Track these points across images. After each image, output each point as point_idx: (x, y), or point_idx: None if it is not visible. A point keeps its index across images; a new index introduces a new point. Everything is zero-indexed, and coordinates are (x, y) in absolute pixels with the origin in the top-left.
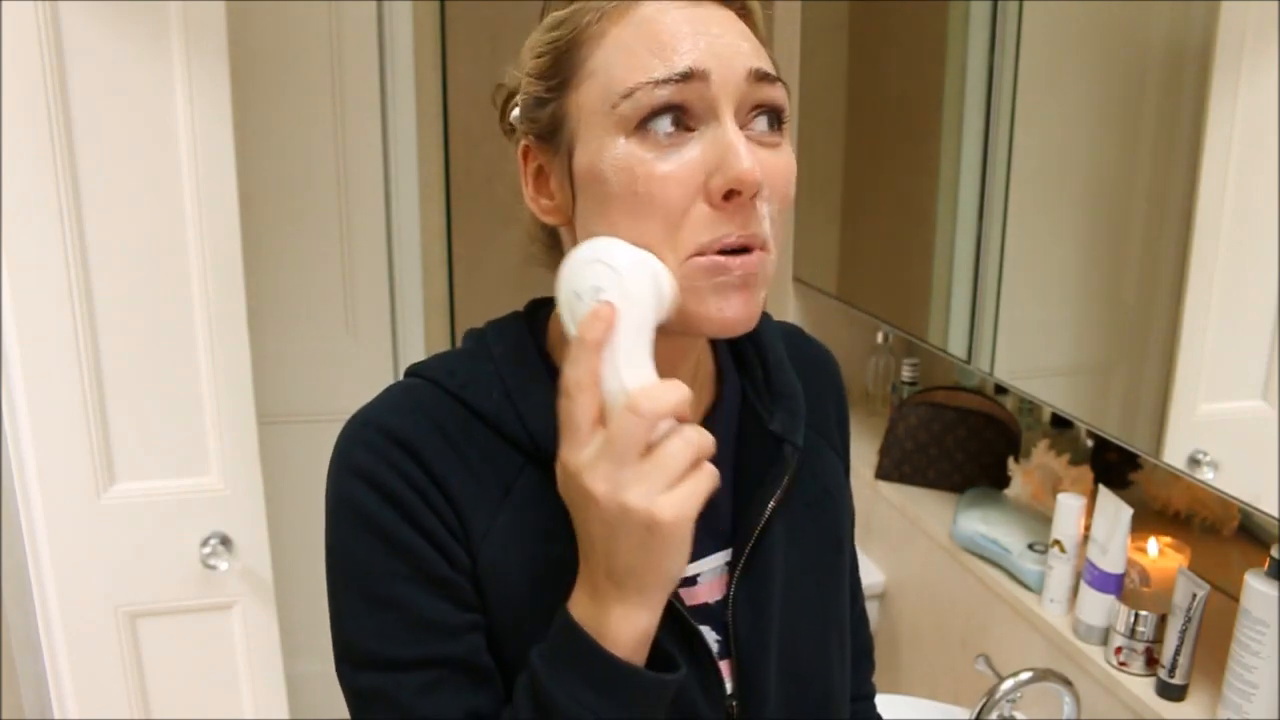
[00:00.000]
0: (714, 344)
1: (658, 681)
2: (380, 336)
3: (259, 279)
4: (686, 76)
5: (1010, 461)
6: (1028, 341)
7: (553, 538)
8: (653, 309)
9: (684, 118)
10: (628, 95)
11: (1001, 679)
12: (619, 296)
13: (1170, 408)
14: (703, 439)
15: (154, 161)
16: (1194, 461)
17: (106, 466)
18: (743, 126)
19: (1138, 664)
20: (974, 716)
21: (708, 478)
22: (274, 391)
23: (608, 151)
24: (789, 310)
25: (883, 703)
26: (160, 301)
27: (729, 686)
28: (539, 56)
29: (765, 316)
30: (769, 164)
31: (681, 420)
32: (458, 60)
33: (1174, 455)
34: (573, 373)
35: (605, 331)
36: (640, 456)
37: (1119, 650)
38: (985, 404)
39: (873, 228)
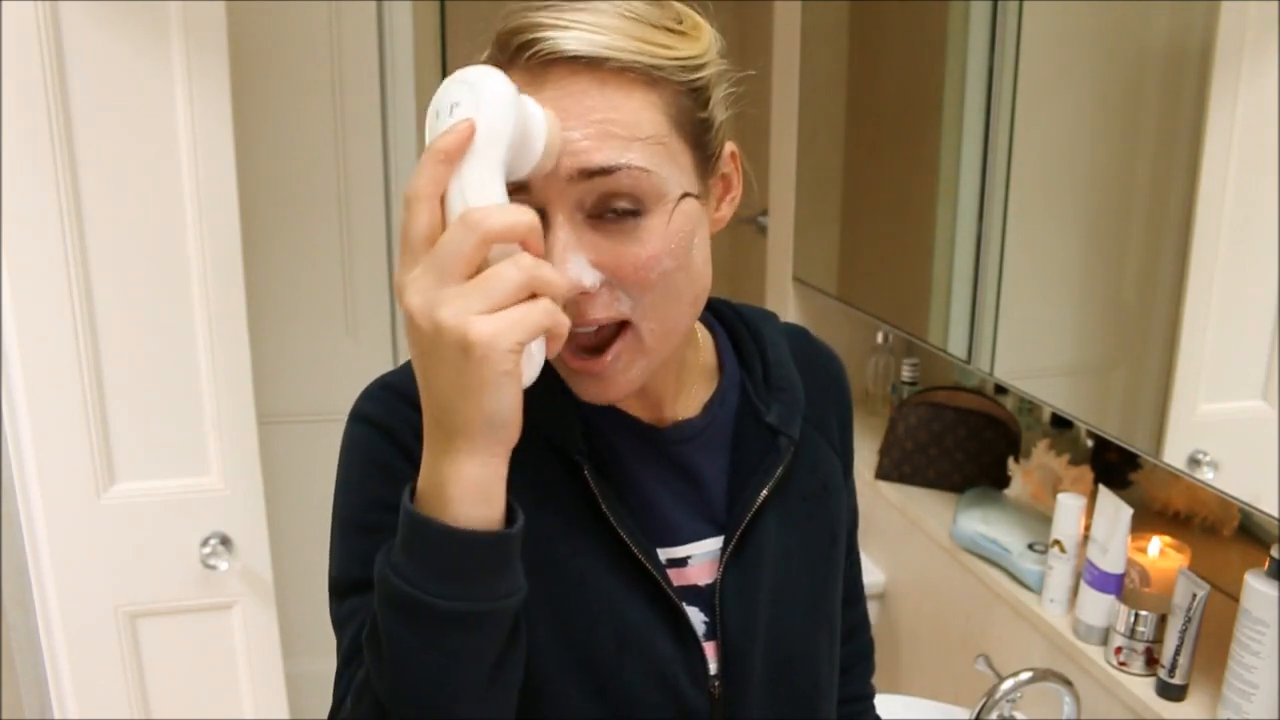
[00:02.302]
0: (715, 337)
1: (445, 533)
2: (380, 336)
3: (259, 279)
4: (512, 188)
5: (1010, 461)
6: (1028, 341)
7: (553, 507)
8: (507, 135)
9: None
10: None
11: (1001, 679)
12: (475, 115)
13: (1170, 408)
14: (539, 269)
15: (154, 161)
16: (1194, 461)
17: (106, 466)
18: (591, 215)
19: (1138, 664)
20: (974, 716)
21: (542, 312)
22: (274, 391)
23: None
24: (789, 310)
25: (883, 703)
26: (160, 301)
27: (713, 667)
28: None
29: (771, 316)
30: (611, 254)
31: (530, 251)
32: (457, 60)
33: (1174, 455)
34: (413, 182)
35: (455, 143)
36: (465, 276)
37: (1119, 650)
38: (985, 404)
39: (873, 228)
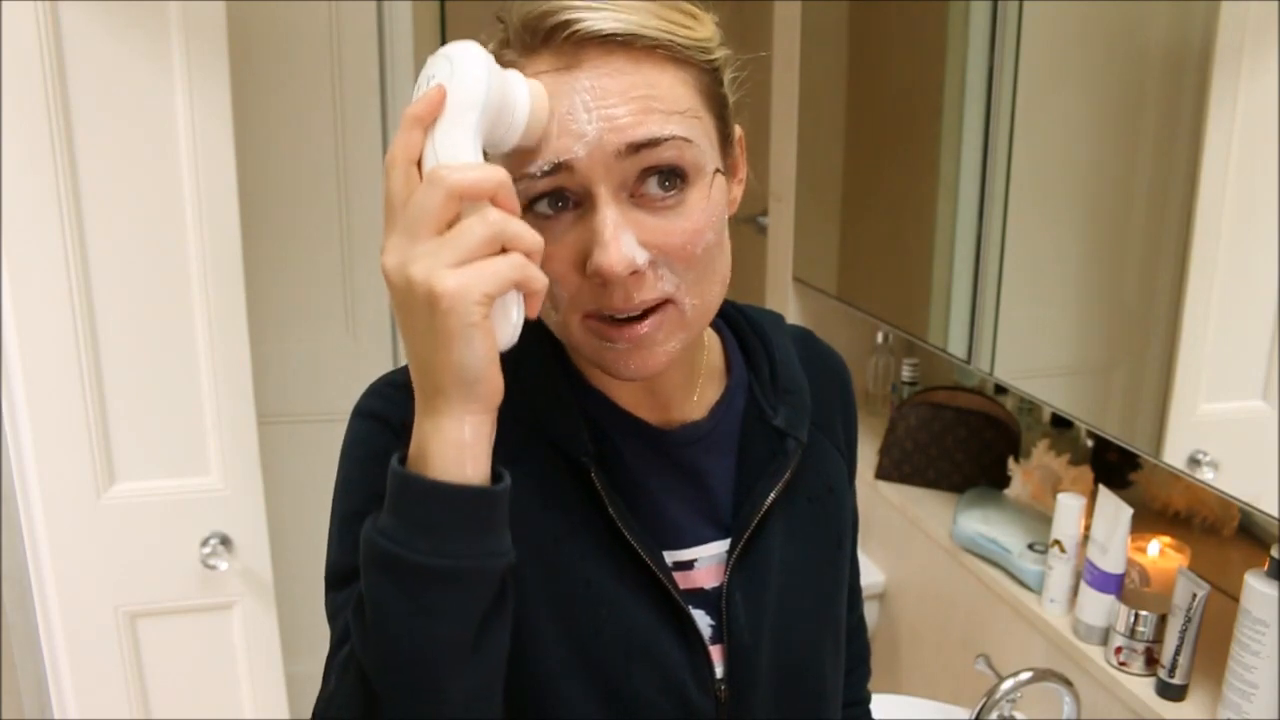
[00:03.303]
0: (723, 340)
1: (428, 487)
2: (380, 336)
3: (259, 279)
4: (554, 169)
5: (1010, 461)
6: (1028, 341)
7: (559, 508)
8: (479, 99)
9: (566, 197)
10: (515, 180)
11: (1001, 679)
12: (449, 83)
13: (1170, 408)
14: (508, 223)
15: (154, 161)
16: (1194, 461)
17: (106, 466)
18: (635, 194)
19: (1138, 664)
20: (974, 716)
21: (510, 265)
22: (274, 391)
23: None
24: (789, 310)
25: (883, 703)
26: (160, 301)
27: (719, 671)
28: None
29: (778, 318)
30: (658, 231)
31: (502, 208)
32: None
33: (1174, 455)
34: (391, 149)
35: (425, 109)
36: (435, 233)
37: (1119, 650)
38: (985, 404)
39: (873, 228)
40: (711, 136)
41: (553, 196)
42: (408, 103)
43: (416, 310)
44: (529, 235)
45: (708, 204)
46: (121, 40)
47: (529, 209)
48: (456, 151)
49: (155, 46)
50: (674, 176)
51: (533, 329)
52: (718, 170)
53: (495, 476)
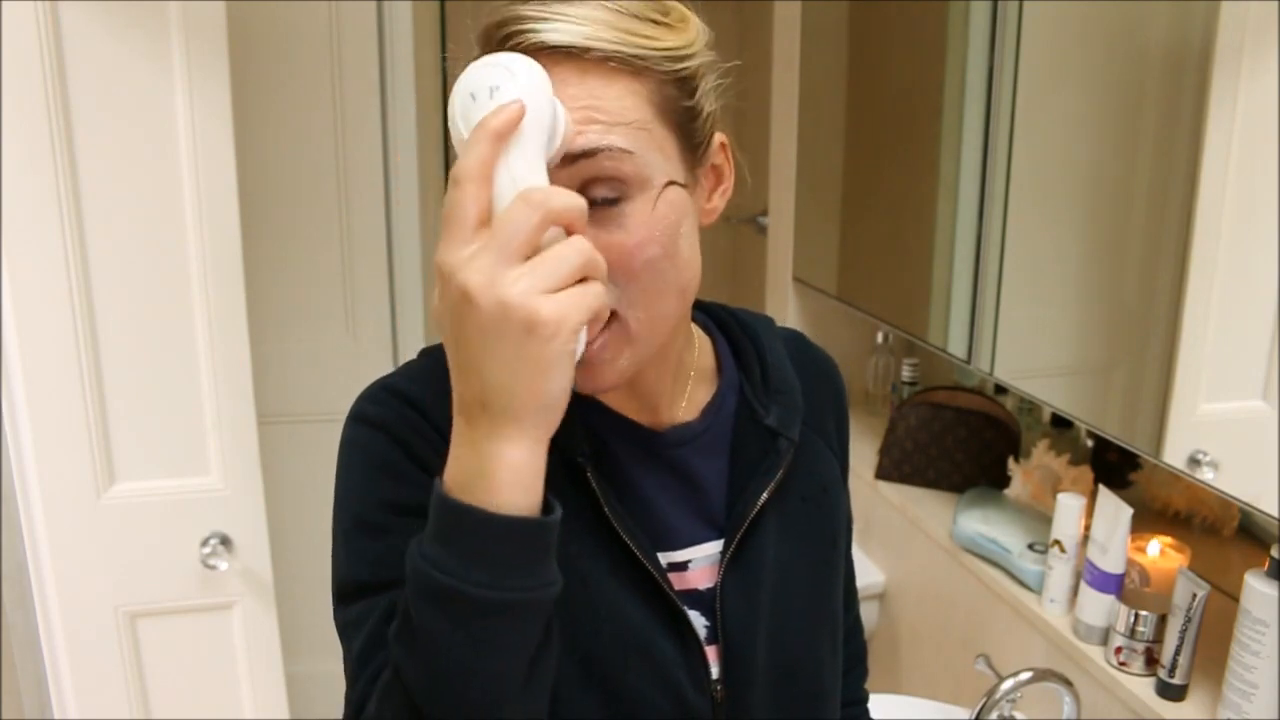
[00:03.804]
0: (713, 341)
1: (491, 521)
2: (380, 336)
3: (259, 279)
4: None
5: (1010, 461)
6: (1028, 341)
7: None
8: (549, 119)
9: None
10: None
11: (1001, 679)
12: (521, 98)
13: (1170, 408)
14: (594, 254)
15: (154, 161)
16: (1194, 461)
17: (106, 466)
18: None
19: (1138, 664)
20: (974, 716)
21: (594, 295)
22: (274, 391)
23: None
24: (789, 310)
25: (883, 703)
26: (160, 302)
27: (715, 671)
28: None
29: (767, 320)
30: (596, 243)
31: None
32: (458, 60)
33: (1174, 455)
34: (465, 161)
35: (507, 124)
36: (525, 256)
37: (1119, 650)
38: (985, 404)
39: (873, 228)
40: (666, 148)
41: None
42: (408, 103)
43: (507, 334)
44: (604, 264)
45: (651, 217)
46: (121, 40)
47: None
48: (534, 174)
49: (155, 46)
50: (614, 188)
51: None
52: (672, 182)
53: (545, 504)
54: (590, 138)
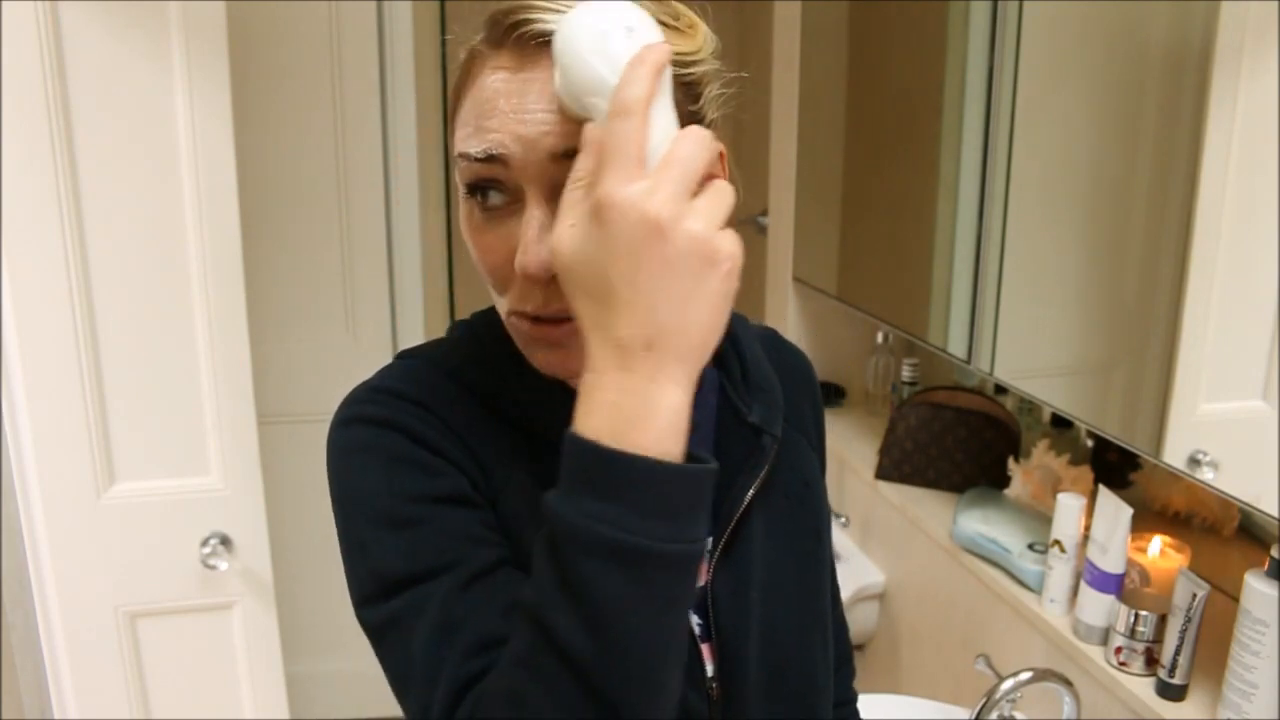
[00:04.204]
0: None
1: (671, 471)
2: (380, 336)
3: (259, 279)
4: (489, 159)
5: (1010, 461)
6: (1028, 341)
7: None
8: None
9: (502, 189)
10: (457, 159)
11: (1001, 679)
12: (656, 38)
13: (1170, 408)
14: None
15: (154, 161)
16: (1194, 461)
17: (106, 466)
18: None
19: (1138, 664)
20: (974, 716)
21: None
22: (274, 391)
23: (462, 204)
24: (789, 310)
25: (883, 703)
26: (160, 302)
27: (710, 669)
28: (453, 87)
29: (741, 319)
30: None
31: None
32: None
33: (1174, 455)
34: (630, 93)
35: (664, 60)
36: (694, 192)
37: (1119, 650)
38: (985, 404)
39: (873, 228)
40: None
41: (486, 193)
42: (408, 103)
43: (691, 268)
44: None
45: None
46: (121, 40)
47: (471, 195)
48: (674, 113)
49: (155, 46)
50: None
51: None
52: None
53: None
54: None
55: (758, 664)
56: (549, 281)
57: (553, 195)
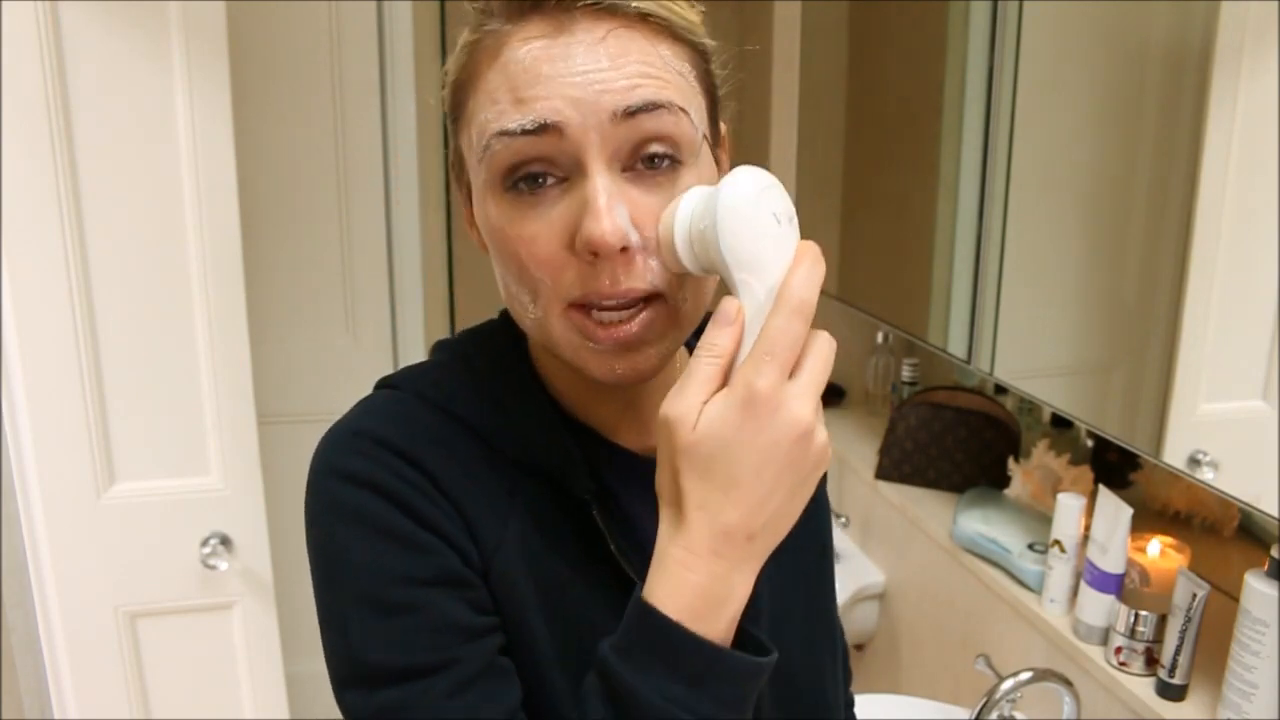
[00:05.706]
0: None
1: (754, 666)
2: (380, 336)
3: (259, 279)
4: (540, 129)
5: (1010, 461)
6: (1028, 341)
7: (560, 550)
8: None
9: (550, 169)
10: (486, 149)
11: (1001, 679)
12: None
13: (1170, 408)
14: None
15: (154, 162)
16: (1194, 461)
17: (106, 466)
18: (628, 168)
19: (1138, 664)
20: (974, 716)
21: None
22: (274, 391)
23: (485, 209)
24: None
25: (883, 703)
26: (160, 301)
27: None
28: (443, 87)
29: None
30: (651, 213)
31: None
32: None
33: (1174, 455)
34: (809, 295)
35: (822, 261)
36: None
37: (1119, 650)
38: (985, 404)
39: (873, 228)
40: (704, 118)
41: (531, 177)
42: (408, 103)
43: (812, 470)
44: None
45: (703, 184)
46: (121, 40)
47: (505, 186)
48: None
49: (155, 46)
50: (670, 148)
51: (510, 357)
52: (712, 149)
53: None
54: (650, 91)
55: (770, 685)
56: (623, 257)
57: (614, 161)
